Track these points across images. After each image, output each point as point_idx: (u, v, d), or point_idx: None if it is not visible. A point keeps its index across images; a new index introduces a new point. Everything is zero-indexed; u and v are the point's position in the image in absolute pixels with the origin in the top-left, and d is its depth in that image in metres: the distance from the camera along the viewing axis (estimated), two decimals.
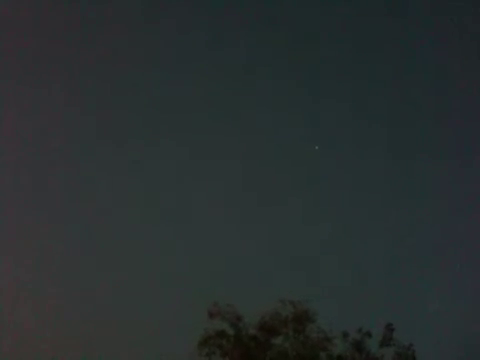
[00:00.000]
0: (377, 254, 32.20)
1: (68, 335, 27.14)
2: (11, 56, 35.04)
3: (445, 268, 31.18)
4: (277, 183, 34.95)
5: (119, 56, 37.38)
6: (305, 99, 37.49)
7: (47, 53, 36.73)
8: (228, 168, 35.20)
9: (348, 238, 32.59)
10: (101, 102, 36.64)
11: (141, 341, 26.26)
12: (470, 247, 31.69)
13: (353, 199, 35.00)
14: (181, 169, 35.28)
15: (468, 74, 36.97)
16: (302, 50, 37.92)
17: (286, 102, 37.61)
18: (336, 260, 31.27)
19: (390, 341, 26.78)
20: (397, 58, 38.47)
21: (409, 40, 38.30)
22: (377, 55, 38.65)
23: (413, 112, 37.55)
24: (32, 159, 34.65)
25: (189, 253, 31.02)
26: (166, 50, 38.22)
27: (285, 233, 32.39)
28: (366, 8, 38.34)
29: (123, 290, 28.74)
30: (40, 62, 36.51)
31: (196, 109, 36.45)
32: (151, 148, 35.76)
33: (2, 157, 33.11)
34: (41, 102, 35.99)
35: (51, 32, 36.56)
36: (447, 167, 35.49)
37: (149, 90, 36.84)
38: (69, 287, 28.92)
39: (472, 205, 34.11)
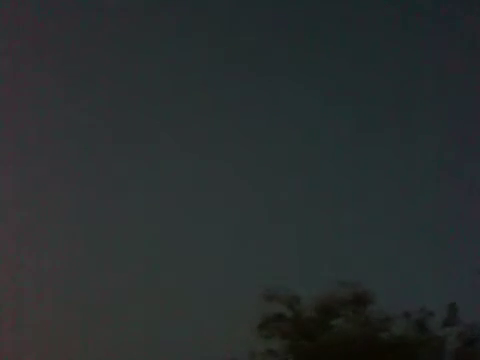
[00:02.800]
0: (435, 233, 31.49)
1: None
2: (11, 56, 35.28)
3: None
4: (326, 168, 34.67)
5: (118, 53, 37.42)
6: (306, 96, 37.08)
7: (46, 52, 36.91)
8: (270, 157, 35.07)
9: (406, 216, 31.98)
10: (101, 100, 36.67)
11: (196, 327, 26.19)
12: None
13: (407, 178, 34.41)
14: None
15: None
16: (303, 47, 37.53)
17: (287, 100, 37.27)
18: (394, 239, 30.70)
19: (454, 320, 26.08)
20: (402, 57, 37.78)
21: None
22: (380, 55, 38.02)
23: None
24: (31, 159, 34.83)
25: (243, 238, 30.86)
26: (167, 48, 38.03)
27: (337, 213, 31.98)
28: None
29: (175, 277, 28.78)
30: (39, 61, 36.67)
31: (196, 107, 36.32)
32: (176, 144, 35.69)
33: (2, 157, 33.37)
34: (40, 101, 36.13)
35: (50, 31, 36.81)
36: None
37: (149, 88, 36.84)
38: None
39: None
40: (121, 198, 34.28)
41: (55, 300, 28.84)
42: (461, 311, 26.02)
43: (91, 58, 37.03)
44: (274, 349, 25.87)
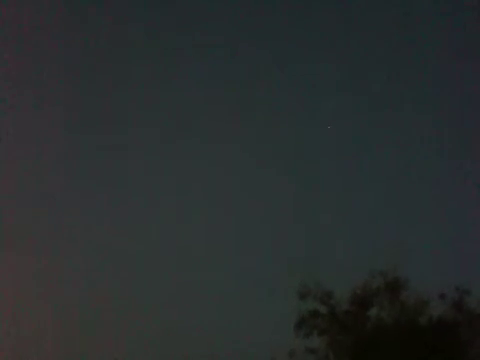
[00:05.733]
0: (462, 209, 31.19)
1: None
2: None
3: None
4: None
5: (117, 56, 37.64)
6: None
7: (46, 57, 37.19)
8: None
9: (433, 195, 31.71)
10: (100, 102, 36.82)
11: (233, 328, 26.25)
12: None
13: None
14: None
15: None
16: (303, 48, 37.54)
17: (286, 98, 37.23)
18: (420, 220, 30.44)
19: None
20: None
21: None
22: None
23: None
24: (33, 161, 35.00)
25: (275, 236, 30.88)
26: (168, 51, 38.15)
27: (361, 201, 31.86)
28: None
29: (209, 277, 28.92)
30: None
31: (195, 108, 36.41)
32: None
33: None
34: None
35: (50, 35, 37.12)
36: None
37: (149, 89, 37.00)
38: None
39: None
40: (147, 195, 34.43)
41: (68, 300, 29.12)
42: None
43: (93, 59, 37.32)
44: (313, 347, 25.80)
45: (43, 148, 35.70)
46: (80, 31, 37.43)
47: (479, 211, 30.54)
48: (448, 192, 32.13)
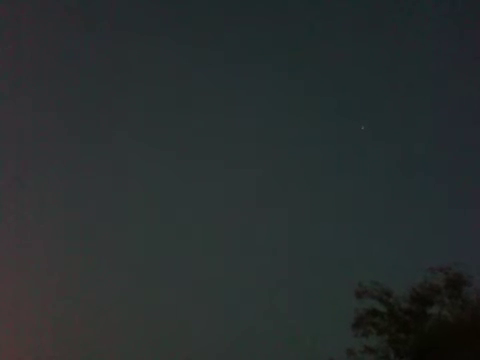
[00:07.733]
0: None
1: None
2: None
3: None
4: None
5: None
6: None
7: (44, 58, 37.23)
8: None
9: None
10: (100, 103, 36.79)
11: (292, 327, 25.98)
12: None
13: None
14: None
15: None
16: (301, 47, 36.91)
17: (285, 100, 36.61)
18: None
19: None
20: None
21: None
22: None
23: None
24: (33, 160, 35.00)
25: (330, 235, 30.49)
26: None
27: (419, 198, 31.11)
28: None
29: (267, 278, 28.79)
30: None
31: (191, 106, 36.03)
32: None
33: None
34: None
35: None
36: None
37: (144, 87, 36.83)
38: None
39: None
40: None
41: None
42: None
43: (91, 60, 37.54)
44: (372, 346, 25.20)
45: (44, 148, 35.90)
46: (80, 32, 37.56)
47: None
48: None
